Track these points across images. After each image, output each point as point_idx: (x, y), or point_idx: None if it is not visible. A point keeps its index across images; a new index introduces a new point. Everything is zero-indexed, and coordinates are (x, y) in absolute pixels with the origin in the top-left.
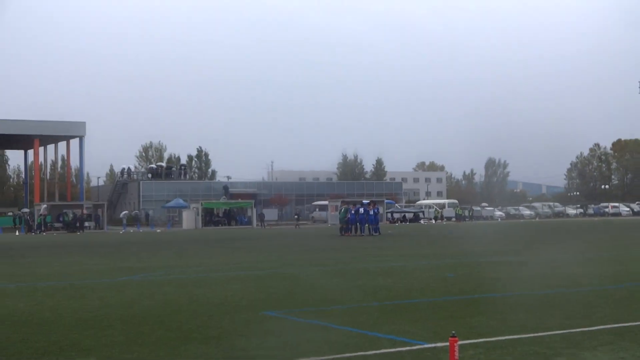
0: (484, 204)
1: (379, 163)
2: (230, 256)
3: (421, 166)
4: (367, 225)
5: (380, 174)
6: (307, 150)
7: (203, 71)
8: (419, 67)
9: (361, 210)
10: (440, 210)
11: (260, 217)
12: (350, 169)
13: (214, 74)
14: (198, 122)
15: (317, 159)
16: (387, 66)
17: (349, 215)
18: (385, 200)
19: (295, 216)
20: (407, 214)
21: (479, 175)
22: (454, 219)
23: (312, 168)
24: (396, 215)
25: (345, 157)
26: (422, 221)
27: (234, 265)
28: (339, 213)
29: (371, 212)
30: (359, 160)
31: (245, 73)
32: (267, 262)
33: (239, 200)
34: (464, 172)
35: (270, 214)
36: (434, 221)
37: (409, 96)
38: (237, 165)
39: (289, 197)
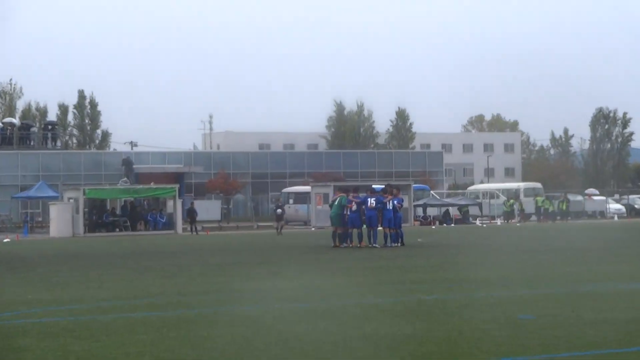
0: (590, 191)
1: (402, 117)
2: (135, 282)
3: (477, 122)
4: (383, 228)
5: (403, 138)
6: (275, 100)
7: None
8: None
9: (371, 202)
10: (512, 202)
11: (191, 215)
12: (349, 128)
13: None
14: (82, 51)
15: (293, 115)
16: None
17: (348, 212)
18: (413, 185)
19: (277, 211)
20: (451, 209)
21: (580, 139)
22: (534, 217)
23: (284, 129)
24: (431, 212)
25: (340, 106)
26: (477, 221)
27: (141, 299)
28: (331, 207)
29: (389, 206)
30: (365, 113)
31: None
32: (201, 296)
33: (152, 185)
34: (552, 134)
35: (209, 208)
36: (499, 221)
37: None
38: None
39: (242, 180)
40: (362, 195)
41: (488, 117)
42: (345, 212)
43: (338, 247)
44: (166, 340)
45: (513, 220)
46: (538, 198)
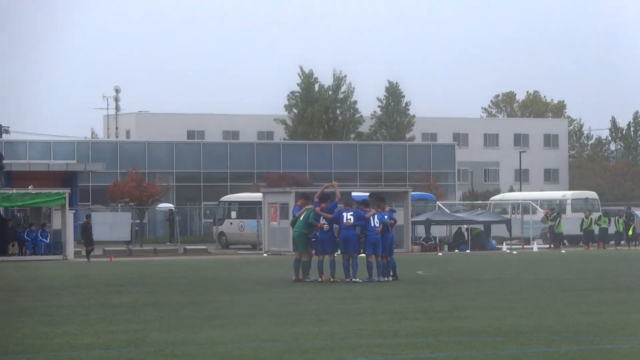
0: None
1: (394, 95)
2: (6, 331)
3: (505, 103)
4: (367, 255)
5: (397, 124)
6: (210, 68)
7: None
8: None
9: (347, 217)
10: (552, 218)
11: (85, 234)
12: (320, 109)
13: None
14: None
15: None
16: None
17: (318, 232)
18: (412, 194)
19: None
20: (465, 228)
21: None
22: (584, 244)
23: (224, 109)
24: (437, 232)
25: (308, 77)
26: (504, 245)
27: (14, 356)
28: (293, 225)
29: (374, 222)
30: (344, 87)
31: None
32: (102, 351)
33: (30, 189)
34: (614, 121)
35: (113, 224)
36: (535, 246)
37: None
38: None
39: (162, 183)
40: (338, 209)
41: (521, 96)
42: (312, 232)
43: (302, 281)
44: None
45: (549, 247)
46: (585, 218)
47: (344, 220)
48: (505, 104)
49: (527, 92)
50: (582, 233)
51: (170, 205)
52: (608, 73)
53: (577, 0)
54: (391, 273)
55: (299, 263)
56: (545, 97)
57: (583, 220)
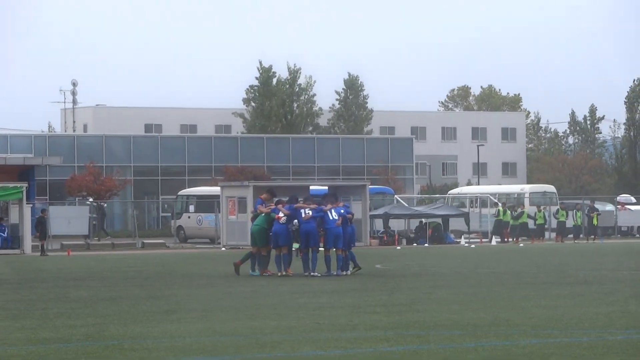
0: (624, 198)
1: (352, 88)
2: None
3: (460, 97)
4: (325, 249)
5: (355, 117)
6: (168, 61)
7: None
8: None
9: (306, 212)
10: (512, 209)
11: (41, 228)
12: (278, 103)
13: None
14: None
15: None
16: None
17: (276, 225)
18: (370, 187)
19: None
20: (425, 220)
21: (612, 122)
22: (553, 237)
23: (181, 103)
24: (396, 225)
25: (266, 71)
26: (462, 239)
27: None
28: (254, 218)
29: (332, 216)
30: (302, 81)
31: None
32: (60, 345)
33: None
34: (573, 115)
35: (71, 218)
36: (494, 240)
37: None
38: None
39: (120, 177)
40: (294, 206)
41: (476, 91)
42: (267, 227)
43: (257, 274)
44: None
45: (509, 240)
46: (539, 213)
47: (303, 215)
48: (461, 98)
49: (482, 86)
50: (535, 227)
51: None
52: (565, 66)
53: None
54: (352, 266)
55: (254, 257)
56: (500, 90)
57: (498, 211)
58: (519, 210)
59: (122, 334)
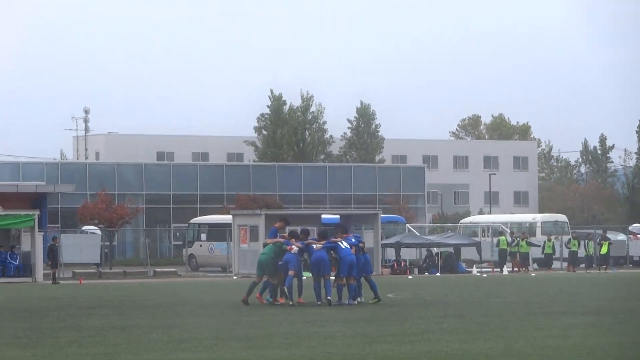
0: (636, 227)
1: (364, 116)
2: None
3: (471, 127)
4: (338, 278)
5: (367, 146)
6: (180, 90)
7: None
8: None
9: (317, 246)
10: (521, 238)
11: (53, 256)
12: (290, 131)
13: None
14: None
15: (207, 112)
16: None
17: (287, 254)
18: (382, 216)
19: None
20: (435, 250)
21: (623, 151)
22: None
23: (193, 131)
24: (407, 254)
25: (278, 99)
26: (474, 268)
27: None
28: (263, 248)
29: (344, 245)
30: (313, 109)
31: None
32: None
33: None
34: (586, 144)
35: (83, 246)
36: (506, 269)
37: None
38: None
39: (132, 204)
40: (302, 237)
41: (487, 119)
42: (276, 257)
43: (268, 302)
44: None
45: (519, 270)
46: (548, 242)
47: (314, 247)
48: (471, 127)
49: (492, 115)
50: (543, 256)
51: (94, 229)
52: (577, 96)
53: (536, 27)
54: (360, 297)
55: (254, 285)
56: (509, 119)
57: (499, 240)
58: (517, 239)
59: None
